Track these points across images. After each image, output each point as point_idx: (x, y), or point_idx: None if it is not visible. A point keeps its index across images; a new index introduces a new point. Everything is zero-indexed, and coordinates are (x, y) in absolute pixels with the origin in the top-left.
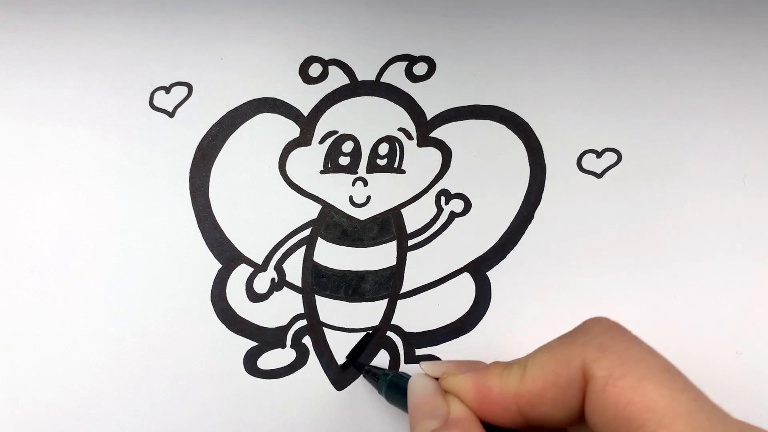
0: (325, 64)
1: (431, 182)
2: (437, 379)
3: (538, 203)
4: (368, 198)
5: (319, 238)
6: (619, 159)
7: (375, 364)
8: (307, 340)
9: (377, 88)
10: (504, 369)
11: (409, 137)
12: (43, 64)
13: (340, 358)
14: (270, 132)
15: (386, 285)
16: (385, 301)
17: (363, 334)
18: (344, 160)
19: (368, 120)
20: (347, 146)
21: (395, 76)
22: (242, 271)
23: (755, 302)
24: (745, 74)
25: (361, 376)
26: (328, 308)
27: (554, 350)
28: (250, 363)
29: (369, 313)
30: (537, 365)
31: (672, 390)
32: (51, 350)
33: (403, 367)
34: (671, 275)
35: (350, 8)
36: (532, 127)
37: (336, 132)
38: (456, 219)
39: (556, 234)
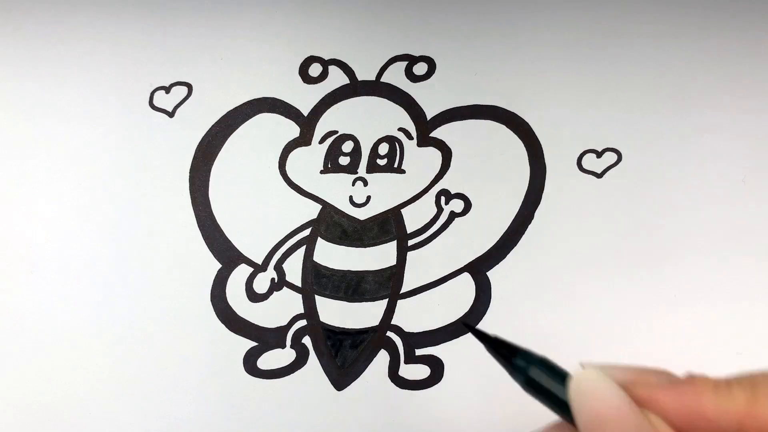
0: (325, 64)
1: (431, 182)
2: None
3: (538, 203)
4: (368, 198)
5: (319, 238)
6: (619, 159)
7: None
8: (306, 340)
9: (377, 88)
10: (718, 386)
11: (409, 137)
12: (43, 64)
13: (340, 359)
14: (270, 132)
15: (386, 285)
16: (385, 301)
17: (362, 329)
18: (344, 160)
19: (368, 120)
20: (347, 146)
21: (395, 76)
22: (242, 271)
23: (755, 302)
24: (745, 74)
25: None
26: (328, 308)
27: None
28: (249, 363)
29: (369, 313)
30: None
31: None
32: (51, 350)
33: (403, 367)
34: (671, 275)
35: (350, 8)
36: (532, 127)
37: (336, 132)
38: (456, 219)
39: (556, 234)
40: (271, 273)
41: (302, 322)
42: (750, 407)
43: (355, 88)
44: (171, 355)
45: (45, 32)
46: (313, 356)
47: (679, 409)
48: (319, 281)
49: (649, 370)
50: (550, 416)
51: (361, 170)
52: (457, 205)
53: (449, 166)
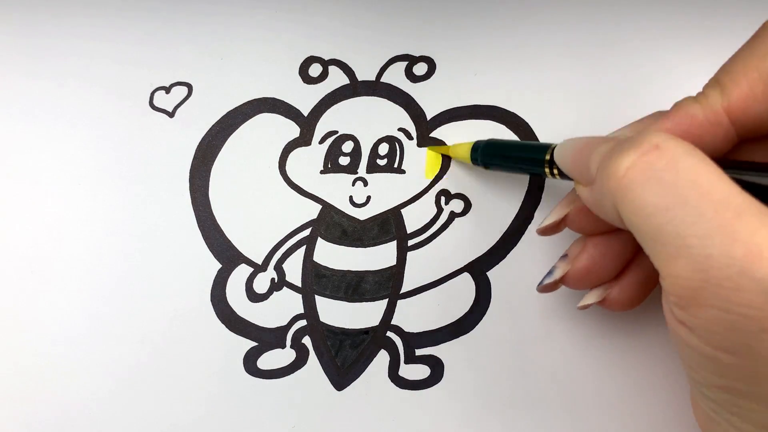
0: (325, 64)
1: (431, 182)
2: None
3: (538, 203)
4: (368, 198)
5: (319, 238)
6: None
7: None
8: (306, 340)
9: (377, 88)
10: (696, 96)
11: (409, 137)
12: (43, 64)
13: (340, 359)
14: (270, 132)
15: (386, 285)
16: (385, 301)
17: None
18: (344, 160)
19: (368, 120)
20: (347, 146)
21: (395, 76)
22: (242, 271)
23: None
24: None
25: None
26: (328, 308)
27: (746, 52)
28: (250, 363)
29: (369, 313)
30: (735, 70)
31: None
32: (51, 350)
33: (403, 367)
34: None
35: (350, 8)
36: (532, 127)
37: (336, 132)
38: (456, 219)
39: (556, 234)
40: (271, 273)
41: (302, 322)
42: (724, 97)
43: (355, 88)
44: (171, 355)
45: (45, 32)
46: (313, 356)
47: (678, 129)
48: (319, 281)
49: (643, 120)
50: (552, 417)
51: (361, 170)
52: (457, 205)
53: (449, 166)
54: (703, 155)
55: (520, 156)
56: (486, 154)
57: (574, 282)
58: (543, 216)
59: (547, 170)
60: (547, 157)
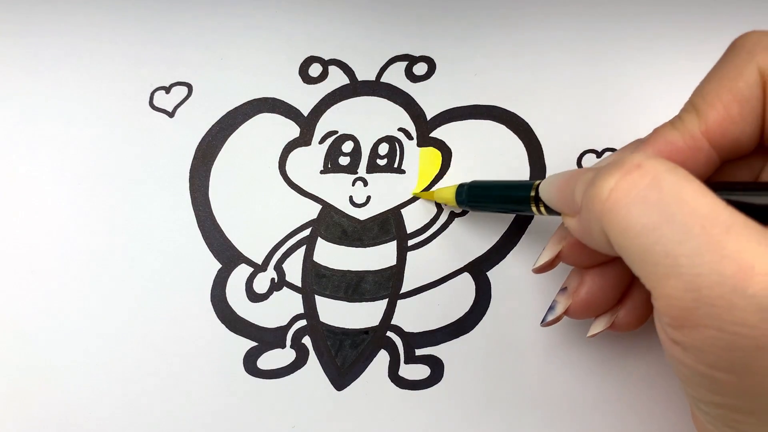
0: (325, 64)
1: (431, 182)
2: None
3: None
4: (368, 198)
5: (319, 238)
6: None
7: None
8: (306, 340)
9: (377, 88)
10: (673, 122)
11: (409, 137)
12: (43, 64)
13: (340, 358)
14: (270, 132)
15: (386, 285)
16: (385, 301)
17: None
18: (344, 160)
19: (368, 120)
20: (347, 146)
21: (395, 76)
22: (242, 271)
23: None
24: None
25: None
26: (328, 308)
27: (718, 74)
28: (249, 363)
29: (369, 313)
30: (709, 93)
31: None
32: (51, 350)
33: (403, 367)
34: None
35: (350, 8)
36: (532, 127)
37: (336, 132)
38: (456, 219)
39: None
40: (271, 273)
41: (302, 322)
42: (701, 121)
43: (355, 88)
44: (171, 355)
45: (45, 32)
46: (313, 356)
47: (659, 156)
48: (319, 281)
49: (623, 150)
50: (551, 417)
51: (361, 170)
52: None
53: (449, 166)
54: (686, 172)
55: (505, 195)
56: (471, 197)
57: (577, 315)
58: (543, 216)
59: (533, 207)
60: (532, 193)
